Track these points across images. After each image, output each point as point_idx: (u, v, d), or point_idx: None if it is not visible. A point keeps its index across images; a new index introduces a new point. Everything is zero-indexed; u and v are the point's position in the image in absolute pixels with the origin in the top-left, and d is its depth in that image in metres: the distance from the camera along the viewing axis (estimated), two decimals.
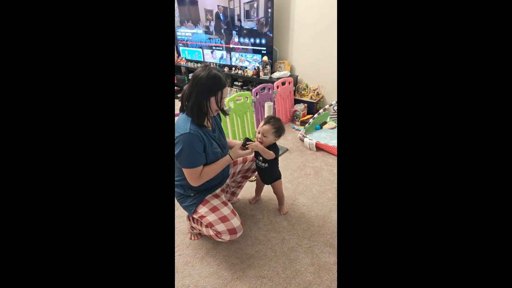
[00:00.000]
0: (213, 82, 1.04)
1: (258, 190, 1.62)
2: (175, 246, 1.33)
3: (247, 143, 1.22)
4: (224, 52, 3.29)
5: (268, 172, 1.41)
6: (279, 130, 1.29)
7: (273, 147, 1.33)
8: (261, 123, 1.30)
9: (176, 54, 3.79)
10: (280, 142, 2.35)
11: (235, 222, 1.16)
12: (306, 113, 2.78)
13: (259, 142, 1.29)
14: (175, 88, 3.72)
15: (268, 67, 2.86)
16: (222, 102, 1.10)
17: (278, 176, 1.46)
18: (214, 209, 1.17)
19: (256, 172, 1.50)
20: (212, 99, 1.06)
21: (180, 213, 1.55)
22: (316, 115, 2.45)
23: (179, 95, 3.64)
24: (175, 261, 1.25)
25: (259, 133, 1.30)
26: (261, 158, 1.35)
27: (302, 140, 2.33)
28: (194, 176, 1.09)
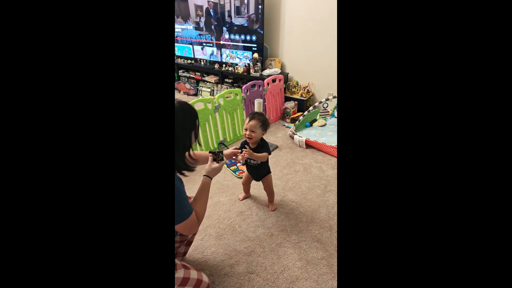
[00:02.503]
0: (192, 113, 0.85)
1: (246, 189, 1.62)
2: None
3: (221, 148, 1.16)
4: (215, 49, 3.26)
5: (259, 169, 1.42)
6: (264, 123, 1.32)
7: (263, 142, 1.36)
8: (246, 120, 1.32)
9: None
10: (270, 139, 2.36)
11: (205, 278, 0.94)
12: (296, 111, 2.79)
13: (248, 138, 1.31)
14: None
15: (259, 64, 2.85)
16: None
17: (268, 171, 1.46)
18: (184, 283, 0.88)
19: (245, 169, 1.50)
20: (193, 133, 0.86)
21: None
22: (306, 113, 2.47)
23: None
24: None
25: (246, 130, 1.30)
26: None
27: (292, 137, 2.34)
28: (193, 224, 0.84)
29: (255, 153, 1.28)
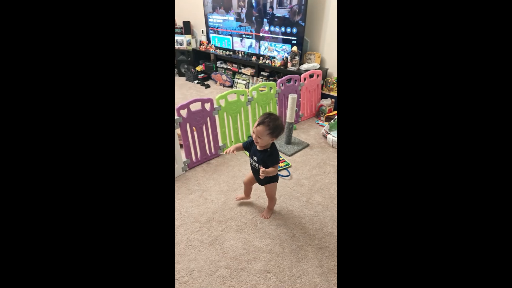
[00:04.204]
0: None
1: (247, 190, 1.48)
2: (185, 229, 1.35)
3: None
4: (254, 41, 3.22)
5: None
6: (275, 131, 1.14)
7: (272, 151, 1.20)
8: (256, 122, 1.15)
9: (206, 41, 3.80)
10: (301, 137, 2.27)
11: None
12: (332, 109, 2.64)
13: (255, 142, 1.18)
14: (203, 75, 3.75)
15: (297, 58, 2.75)
16: None
17: (273, 178, 1.30)
18: None
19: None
20: None
21: (194, 197, 1.57)
22: None
23: (206, 82, 3.67)
24: (184, 245, 1.27)
25: (253, 132, 1.16)
26: (255, 158, 1.23)
27: (325, 137, 2.22)
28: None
29: (268, 170, 1.14)
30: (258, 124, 1.13)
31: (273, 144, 1.21)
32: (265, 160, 1.18)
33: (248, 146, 1.27)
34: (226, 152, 1.23)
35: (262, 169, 1.15)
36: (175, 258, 1.19)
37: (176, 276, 1.12)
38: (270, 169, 1.16)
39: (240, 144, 1.30)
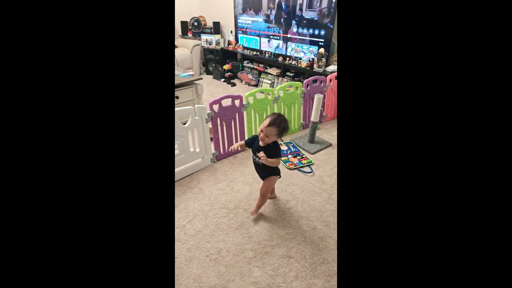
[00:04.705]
0: None
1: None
2: (214, 214, 1.47)
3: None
4: (281, 42, 3.31)
5: (264, 168, 1.32)
6: (282, 131, 1.22)
7: (275, 145, 1.29)
8: (265, 122, 1.21)
9: (234, 41, 3.95)
10: (324, 137, 2.32)
11: None
12: None
13: (261, 139, 1.25)
14: (229, 73, 3.89)
15: (324, 59, 2.80)
16: None
17: (274, 171, 1.35)
18: None
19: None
20: None
21: (222, 186, 1.68)
22: None
23: (232, 81, 3.81)
24: (213, 227, 1.39)
25: (261, 131, 1.21)
26: (258, 154, 1.28)
27: None
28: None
29: (269, 159, 1.21)
30: (269, 125, 1.19)
31: (275, 141, 1.29)
32: (269, 154, 1.24)
33: (250, 143, 1.35)
34: (231, 150, 1.30)
35: (262, 153, 1.20)
36: (206, 238, 1.32)
37: (207, 253, 1.24)
38: (273, 159, 1.23)
39: (243, 142, 1.39)
